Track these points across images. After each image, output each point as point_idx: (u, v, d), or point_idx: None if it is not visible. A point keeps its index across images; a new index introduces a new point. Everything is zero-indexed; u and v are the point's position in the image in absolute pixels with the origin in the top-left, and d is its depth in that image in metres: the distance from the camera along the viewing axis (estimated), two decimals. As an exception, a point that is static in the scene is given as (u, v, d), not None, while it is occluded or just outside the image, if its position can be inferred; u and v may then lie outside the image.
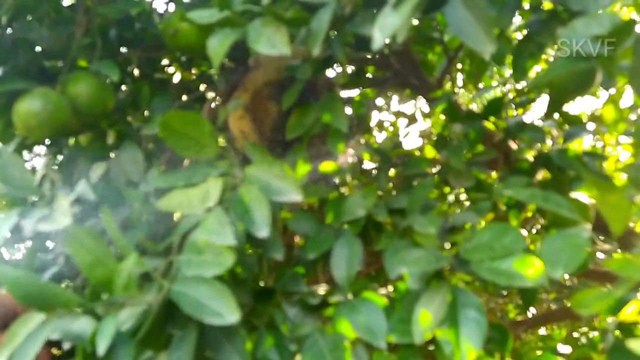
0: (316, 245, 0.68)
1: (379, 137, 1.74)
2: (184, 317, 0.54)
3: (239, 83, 0.92)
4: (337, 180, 0.92)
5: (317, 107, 0.74)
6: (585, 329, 1.75)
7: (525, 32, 0.74)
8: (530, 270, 0.53)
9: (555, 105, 0.75)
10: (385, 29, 0.52)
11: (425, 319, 0.55)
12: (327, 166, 0.87)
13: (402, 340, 0.57)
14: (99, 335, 0.46)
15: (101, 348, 0.45)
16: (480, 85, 1.61)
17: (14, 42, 0.76)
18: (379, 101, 1.61)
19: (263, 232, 0.53)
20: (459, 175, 0.76)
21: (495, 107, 0.94)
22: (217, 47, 0.61)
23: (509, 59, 1.01)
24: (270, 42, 0.58)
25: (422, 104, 1.80)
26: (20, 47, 0.76)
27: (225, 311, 0.47)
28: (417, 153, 1.40)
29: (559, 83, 0.65)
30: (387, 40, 0.53)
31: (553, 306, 1.57)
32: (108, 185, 0.75)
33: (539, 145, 0.88)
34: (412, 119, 1.77)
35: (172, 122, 0.58)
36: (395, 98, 1.72)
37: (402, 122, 1.80)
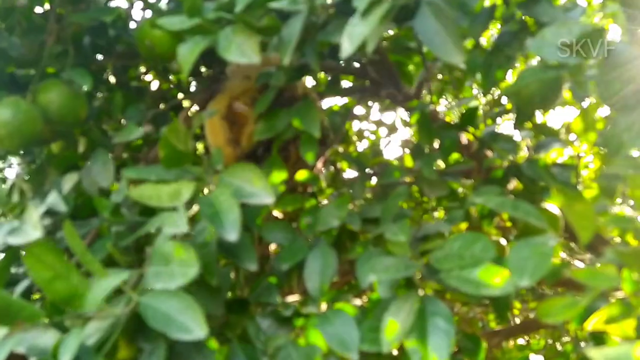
0: (290, 256, 0.67)
1: (360, 146, 1.74)
2: (154, 330, 0.53)
3: (215, 91, 0.91)
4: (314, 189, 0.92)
5: (291, 112, 0.74)
6: (566, 339, 1.76)
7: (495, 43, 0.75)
8: (497, 279, 0.53)
9: (523, 116, 0.76)
10: (354, 38, 0.52)
11: (393, 328, 0.55)
12: (302, 174, 0.87)
13: (371, 349, 0.57)
14: (61, 348, 0.45)
15: (63, 362, 0.44)
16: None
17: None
18: (359, 110, 1.62)
19: (232, 235, 0.53)
20: (433, 185, 0.77)
21: (471, 117, 0.95)
22: (187, 54, 0.60)
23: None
24: (240, 50, 0.58)
25: (402, 113, 1.82)
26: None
27: (193, 326, 0.47)
28: (397, 162, 1.41)
29: (526, 95, 0.66)
30: (360, 49, 0.54)
31: (532, 315, 1.58)
32: (80, 196, 0.74)
33: (511, 155, 0.88)
34: (392, 129, 1.79)
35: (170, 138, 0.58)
36: (375, 107, 1.74)
37: (383, 131, 1.81)
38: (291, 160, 0.98)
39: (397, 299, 0.57)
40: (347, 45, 0.53)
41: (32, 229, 0.54)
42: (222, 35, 0.59)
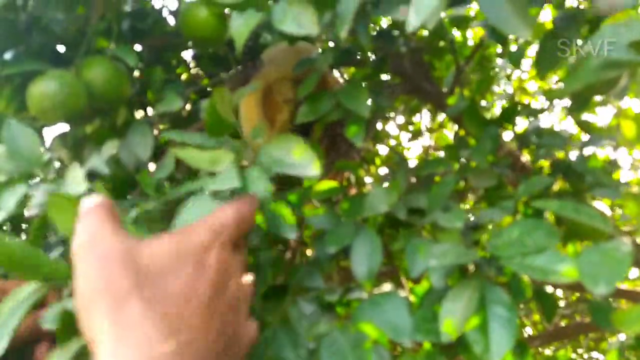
0: (337, 239, 0.64)
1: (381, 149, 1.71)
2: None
3: (249, 77, 0.90)
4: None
5: (337, 94, 0.71)
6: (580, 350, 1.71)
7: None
8: (566, 266, 0.50)
9: (581, 103, 0.73)
10: (421, 10, 0.50)
11: (452, 317, 0.52)
12: (341, 164, 0.84)
13: (426, 339, 0.54)
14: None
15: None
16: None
17: (28, 25, 0.73)
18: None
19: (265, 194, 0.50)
20: (481, 175, 0.74)
21: (510, 113, 0.93)
22: (241, 27, 0.59)
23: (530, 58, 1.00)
24: (297, 22, 0.56)
25: (426, 120, 1.80)
26: (34, 29, 0.73)
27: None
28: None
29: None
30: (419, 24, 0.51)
31: (563, 323, 1.54)
32: (115, 176, 0.72)
33: (559, 151, 0.86)
34: (417, 133, 1.76)
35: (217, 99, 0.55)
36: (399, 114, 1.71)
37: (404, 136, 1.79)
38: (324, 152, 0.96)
39: (456, 287, 0.54)
40: (413, 18, 0.50)
41: (76, 185, 0.51)
42: (277, 8, 0.58)
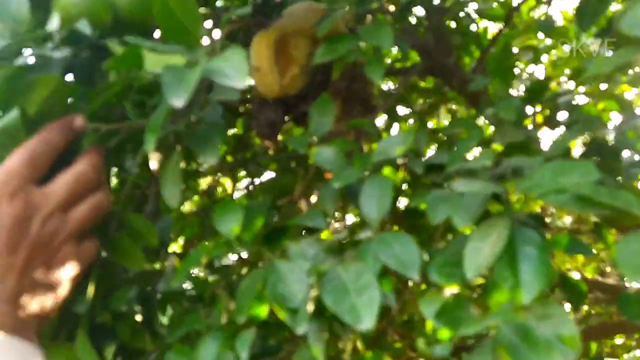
0: (343, 177, 0.58)
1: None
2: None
3: (266, 25, 0.85)
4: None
5: (360, 32, 0.66)
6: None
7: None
8: (607, 196, 0.44)
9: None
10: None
11: (478, 256, 0.46)
12: (356, 122, 0.79)
13: (448, 282, 0.48)
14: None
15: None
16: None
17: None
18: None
19: (178, 101, 0.44)
20: (505, 130, 0.68)
21: (539, 90, 0.87)
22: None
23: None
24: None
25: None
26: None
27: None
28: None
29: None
30: None
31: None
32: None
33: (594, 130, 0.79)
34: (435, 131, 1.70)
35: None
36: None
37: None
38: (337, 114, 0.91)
39: (480, 226, 0.48)
40: None
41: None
42: None
